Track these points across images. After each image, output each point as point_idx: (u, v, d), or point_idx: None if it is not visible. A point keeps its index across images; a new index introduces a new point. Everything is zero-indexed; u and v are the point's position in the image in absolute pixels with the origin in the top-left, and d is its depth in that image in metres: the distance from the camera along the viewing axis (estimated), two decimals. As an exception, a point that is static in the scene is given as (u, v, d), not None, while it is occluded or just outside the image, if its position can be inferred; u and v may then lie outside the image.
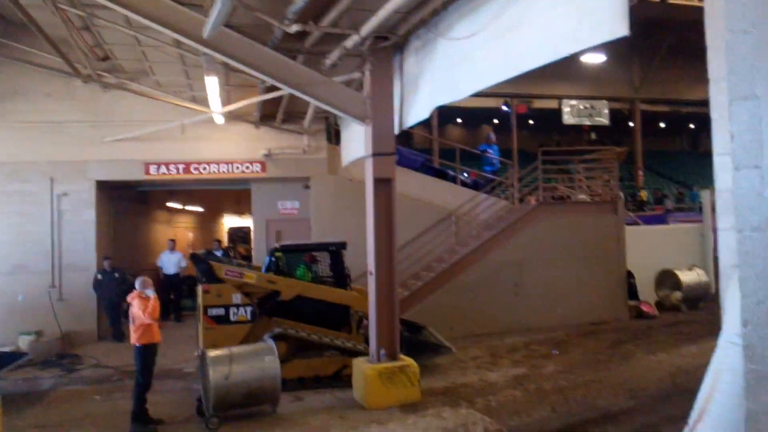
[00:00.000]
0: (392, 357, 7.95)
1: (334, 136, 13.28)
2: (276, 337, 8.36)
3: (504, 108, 24.45)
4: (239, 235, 22.94)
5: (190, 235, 20.24)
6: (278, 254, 9.36)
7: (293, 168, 12.71)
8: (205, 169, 12.41)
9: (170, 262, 13.91)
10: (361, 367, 7.95)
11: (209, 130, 12.23)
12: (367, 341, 8.60)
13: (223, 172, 12.51)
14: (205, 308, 8.61)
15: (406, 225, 10.69)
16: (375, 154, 7.94)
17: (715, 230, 13.22)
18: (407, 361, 7.99)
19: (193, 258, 9.35)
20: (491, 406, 7.49)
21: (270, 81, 7.96)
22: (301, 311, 8.94)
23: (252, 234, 15.42)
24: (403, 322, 9.46)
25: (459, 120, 35.06)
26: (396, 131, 8.13)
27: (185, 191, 16.82)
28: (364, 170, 8.34)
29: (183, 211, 19.74)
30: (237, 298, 8.68)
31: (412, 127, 8.47)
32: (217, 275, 8.73)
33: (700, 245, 15.22)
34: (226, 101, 10.79)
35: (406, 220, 10.44)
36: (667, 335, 11.15)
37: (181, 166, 12.30)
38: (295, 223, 13.46)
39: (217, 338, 8.27)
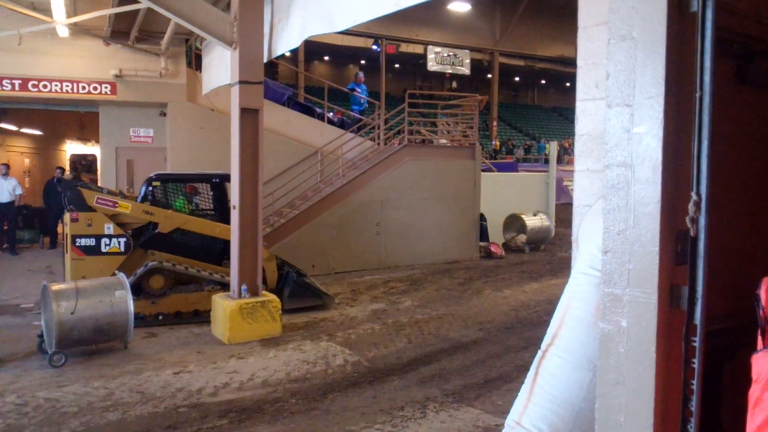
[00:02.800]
0: (254, 293, 7.84)
1: (194, 60, 12.47)
2: (152, 271, 8.12)
3: (374, 47, 24.34)
4: (83, 164, 21.21)
5: (27, 161, 18.27)
6: (156, 184, 8.84)
7: (148, 92, 11.81)
8: (45, 87, 11.16)
9: (3, 189, 12.51)
10: (220, 303, 7.77)
11: (51, 43, 10.94)
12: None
13: (67, 91, 11.32)
14: (73, 238, 8.06)
15: (270, 161, 10.44)
16: (242, 82, 7.54)
17: (558, 179, 14.25)
18: (269, 296, 7.94)
19: (61, 183, 8.61)
20: (351, 339, 7.69)
21: (125, -9, 7.21)
22: (181, 244, 8.64)
23: (98, 162, 14.26)
24: (288, 264, 9.47)
25: (326, 58, 34.47)
26: (265, 59, 7.76)
27: (21, 111, 15.05)
28: (229, 99, 7.91)
29: (18, 133, 17.71)
30: (109, 228, 8.21)
31: (279, 58, 8.15)
32: (87, 203, 8.16)
33: (544, 192, 16.48)
34: (72, 12, 9.66)
35: (271, 156, 10.18)
36: (513, 274, 12.04)
37: (17, 82, 10.96)
38: (148, 153, 12.62)
39: (86, 270, 7.87)
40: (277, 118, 12.49)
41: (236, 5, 7.50)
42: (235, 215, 7.80)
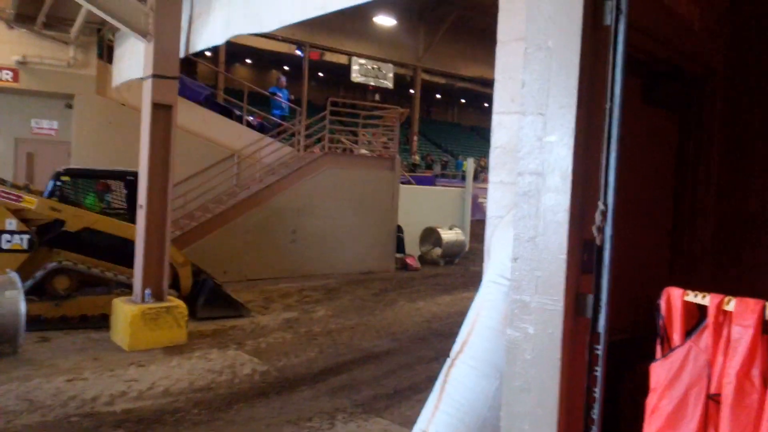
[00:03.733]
0: (158, 298, 7.49)
1: (106, 52, 11.87)
2: (56, 271, 7.68)
3: (298, 52, 24.10)
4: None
5: None
6: (65, 179, 8.31)
7: (54, 82, 11.11)
8: (-63, 69, 10.28)
9: None
10: (121, 308, 7.36)
11: (-55, 22, 10.11)
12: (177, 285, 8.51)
13: (-38, 75, 10.48)
14: None
15: (184, 161, 10.02)
16: (155, 76, 7.22)
17: (473, 196, 14.63)
18: (175, 302, 7.60)
19: None
20: (261, 348, 7.47)
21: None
22: (90, 244, 8.16)
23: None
24: (204, 272, 9.22)
25: (248, 60, 33.85)
26: (182, 54, 7.49)
27: None
28: (141, 94, 7.57)
29: None
30: (11, 223, 7.67)
31: (198, 56, 7.92)
32: None
33: (460, 207, 16.82)
34: (-30, -11, 8.97)
35: (184, 156, 9.78)
36: (427, 286, 12.16)
37: None
38: (51, 146, 11.88)
39: None
40: (193, 117, 12.08)
41: (154, -4, 7.19)
42: (141, 215, 7.45)
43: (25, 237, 7.80)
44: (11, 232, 7.71)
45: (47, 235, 8.05)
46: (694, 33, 2.64)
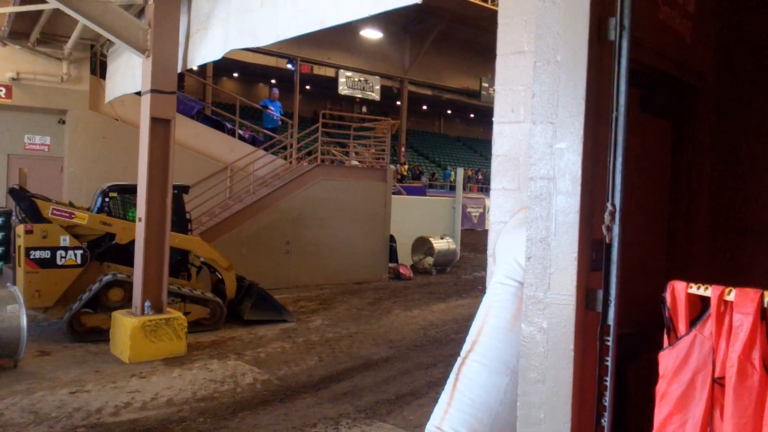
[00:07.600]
0: (158, 309, 7.55)
1: (99, 67, 11.95)
2: (110, 284, 7.91)
3: (289, 66, 24.25)
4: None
5: None
6: (113, 195, 8.62)
7: (47, 98, 11.18)
8: (-70, 86, 10.30)
9: None
10: (121, 320, 7.41)
11: (-62, 39, 10.14)
12: (217, 290, 8.90)
13: (-44, 92, 10.51)
14: (27, 250, 7.72)
15: (177, 175, 10.02)
16: (154, 91, 7.33)
17: (462, 205, 14.79)
18: (174, 313, 7.67)
19: (13, 193, 8.16)
20: (260, 358, 7.55)
21: (31, -11, 6.85)
22: None
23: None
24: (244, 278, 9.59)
25: (235, 74, 33.97)
26: (179, 69, 7.60)
27: None
28: (135, 109, 7.71)
29: None
30: (65, 240, 7.93)
31: (190, 71, 8.06)
32: (41, 214, 7.86)
33: (451, 217, 16.99)
34: (-36, 7, 9.03)
35: (177, 170, 9.77)
36: (421, 294, 12.29)
37: None
38: (44, 162, 11.91)
39: (41, 284, 7.68)
40: (185, 131, 12.15)
41: (151, 12, 7.31)
42: (140, 228, 7.51)
43: (78, 252, 8.05)
44: (65, 248, 7.95)
45: (98, 249, 8.31)
46: (687, 45, 2.82)
